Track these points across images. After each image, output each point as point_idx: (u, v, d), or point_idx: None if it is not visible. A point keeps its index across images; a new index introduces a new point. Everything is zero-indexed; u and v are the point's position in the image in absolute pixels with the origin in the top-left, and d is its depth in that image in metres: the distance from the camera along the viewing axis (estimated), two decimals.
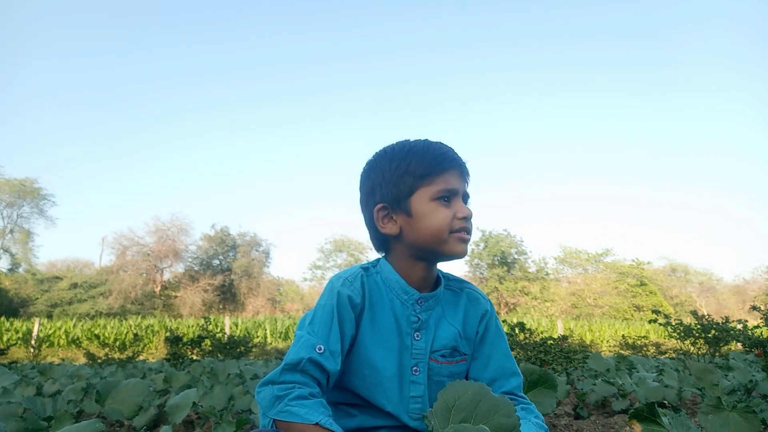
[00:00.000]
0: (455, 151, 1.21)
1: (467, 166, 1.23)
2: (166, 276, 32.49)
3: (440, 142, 1.22)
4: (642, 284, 31.52)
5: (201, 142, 50.35)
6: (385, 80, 51.25)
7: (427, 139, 1.22)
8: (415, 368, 1.16)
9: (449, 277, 1.28)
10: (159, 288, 31.44)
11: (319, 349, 1.05)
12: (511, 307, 32.05)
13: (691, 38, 47.23)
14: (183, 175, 49.65)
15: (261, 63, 50.35)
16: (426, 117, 48.29)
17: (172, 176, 49.10)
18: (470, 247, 1.23)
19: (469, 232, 1.16)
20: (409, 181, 1.16)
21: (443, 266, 1.26)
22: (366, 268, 1.23)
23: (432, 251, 1.17)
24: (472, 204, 1.24)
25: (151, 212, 48.44)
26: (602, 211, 51.72)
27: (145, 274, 30.96)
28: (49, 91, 45.89)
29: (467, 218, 1.14)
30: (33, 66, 43.73)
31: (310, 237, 53.65)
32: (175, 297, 30.68)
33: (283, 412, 0.98)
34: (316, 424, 0.95)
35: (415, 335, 1.17)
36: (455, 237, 1.14)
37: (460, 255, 1.16)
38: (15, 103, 44.34)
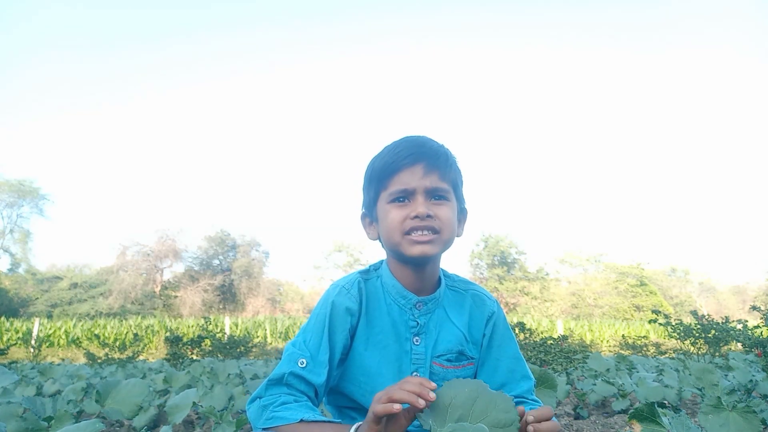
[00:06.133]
0: (425, 142, 1.12)
1: (448, 155, 1.13)
2: (166, 276, 32.47)
3: (410, 137, 1.14)
4: (642, 284, 31.47)
5: (202, 142, 50.36)
6: (385, 81, 51.28)
7: (406, 136, 1.15)
8: (415, 374, 1.13)
9: (454, 278, 1.25)
10: (159, 288, 31.38)
11: (302, 363, 1.06)
12: (511, 307, 31.98)
13: (694, 33, 47.24)
14: (183, 177, 49.64)
15: (260, 65, 50.38)
16: (426, 119, 48.29)
17: (172, 177, 49.09)
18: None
19: (425, 231, 1.07)
20: (374, 186, 1.14)
21: (447, 265, 1.24)
22: (366, 272, 1.21)
23: (397, 255, 1.13)
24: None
25: (152, 213, 48.31)
26: (602, 213, 51.70)
27: (145, 274, 30.91)
28: (49, 91, 45.89)
29: (420, 217, 1.06)
30: (33, 66, 43.71)
31: (310, 237, 53.48)
32: (175, 297, 30.63)
33: (269, 419, 1.00)
34: (301, 420, 0.97)
35: (414, 340, 1.15)
36: (408, 239, 1.08)
37: (417, 258, 1.08)
38: (14, 102, 44.34)
